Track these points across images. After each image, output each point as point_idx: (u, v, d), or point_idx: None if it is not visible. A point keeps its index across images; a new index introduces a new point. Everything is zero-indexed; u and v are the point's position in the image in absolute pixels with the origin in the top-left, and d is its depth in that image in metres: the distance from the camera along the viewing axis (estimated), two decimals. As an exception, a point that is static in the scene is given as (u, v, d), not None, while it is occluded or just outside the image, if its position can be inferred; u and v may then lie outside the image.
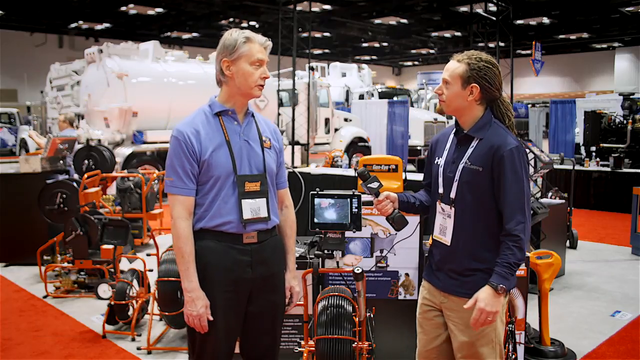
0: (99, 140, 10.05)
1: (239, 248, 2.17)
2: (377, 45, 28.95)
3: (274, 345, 2.34)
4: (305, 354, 2.70)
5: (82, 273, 5.30)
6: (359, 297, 2.52)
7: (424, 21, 22.53)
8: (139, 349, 3.99)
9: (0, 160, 16.44)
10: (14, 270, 6.05)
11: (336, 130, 14.62)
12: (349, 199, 2.58)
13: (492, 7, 10.66)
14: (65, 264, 5.28)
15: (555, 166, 8.07)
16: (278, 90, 12.89)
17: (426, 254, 2.97)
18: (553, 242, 5.47)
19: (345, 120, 14.97)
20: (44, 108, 16.30)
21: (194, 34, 25.38)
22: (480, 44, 11.91)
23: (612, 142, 11.76)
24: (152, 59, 11.25)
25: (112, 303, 4.21)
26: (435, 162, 2.31)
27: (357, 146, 14.58)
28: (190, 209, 2.14)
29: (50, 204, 5.56)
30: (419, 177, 4.20)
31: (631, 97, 12.95)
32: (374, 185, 2.29)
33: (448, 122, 13.76)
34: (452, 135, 2.28)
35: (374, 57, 34.09)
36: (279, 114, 12.88)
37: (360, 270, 2.42)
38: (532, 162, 5.57)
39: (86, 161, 6.72)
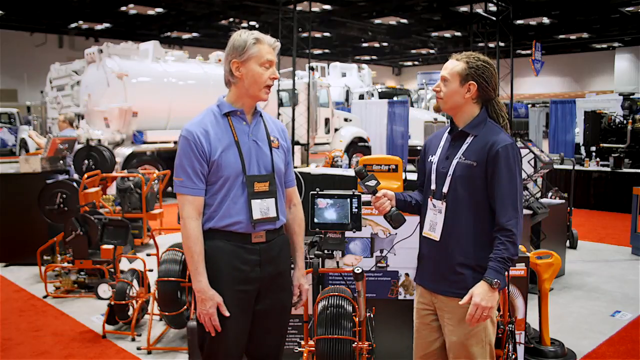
0: (99, 140, 10.05)
1: (247, 247, 2.18)
2: (377, 45, 28.95)
3: (280, 345, 2.35)
4: (305, 354, 2.70)
5: (82, 273, 5.30)
6: (359, 297, 2.52)
7: (424, 21, 22.53)
8: (139, 349, 3.99)
9: (0, 160, 16.44)
10: (14, 270, 6.05)
11: (336, 130, 14.62)
12: (349, 199, 2.58)
13: (492, 7, 10.66)
14: (65, 264, 5.28)
15: (555, 166, 8.08)
16: (278, 90, 12.89)
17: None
18: (553, 242, 5.47)
19: (345, 120, 14.97)
20: (44, 108, 16.30)
21: (194, 34, 25.38)
22: (480, 44, 11.91)
23: (612, 142, 11.76)
24: (152, 59, 11.25)
25: (112, 303, 4.21)
26: (429, 160, 2.34)
27: (357, 146, 14.58)
28: (200, 208, 2.15)
29: (50, 204, 5.56)
30: (419, 177, 4.20)
31: (631, 97, 12.95)
32: (371, 183, 2.31)
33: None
34: (445, 134, 2.33)
35: (374, 57, 34.10)
36: (279, 114, 12.89)
37: (360, 270, 2.42)
38: (532, 162, 5.57)
39: (86, 161, 6.73)
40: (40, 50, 24.63)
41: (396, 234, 3.30)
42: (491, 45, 10.88)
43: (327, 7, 19.63)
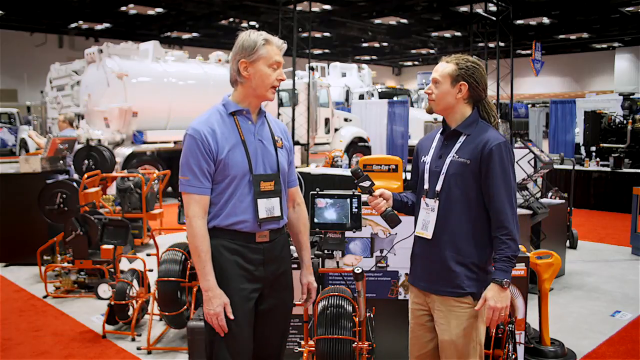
0: (99, 140, 10.05)
1: (251, 247, 2.18)
2: (377, 45, 28.95)
3: (282, 345, 2.36)
4: (305, 354, 2.70)
5: (82, 273, 5.30)
6: (359, 297, 2.52)
7: (424, 21, 22.52)
8: (139, 349, 3.99)
9: (0, 160, 16.44)
10: (14, 270, 6.05)
11: (336, 130, 14.62)
12: (348, 199, 2.58)
13: (492, 7, 10.67)
14: (65, 264, 5.28)
15: (555, 166, 8.08)
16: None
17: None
18: (553, 242, 5.47)
19: (345, 120, 14.97)
20: (44, 108, 16.29)
21: (194, 34, 25.38)
22: (480, 44, 11.91)
23: (612, 142, 11.76)
24: (152, 59, 11.25)
25: (112, 303, 4.21)
26: (422, 160, 2.37)
27: (357, 146, 14.58)
28: (206, 208, 2.15)
29: (50, 204, 5.56)
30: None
31: (631, 97, 12.95)
32: (365, 184, 2.32)
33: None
34: (438, 135, 2.37)
35: (374, 57, 34.09)
36: (279, 114, 12.89)
37: (360, 270, 2.42)
38: (532, 162, 5.57)
39: (86, 161, 6.73)
40: (40, 50, 24.62)
41: (396, 234, 3.30)
42: (491, 45, 10.88)
43: (327, 7, 19.62)
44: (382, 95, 16.91)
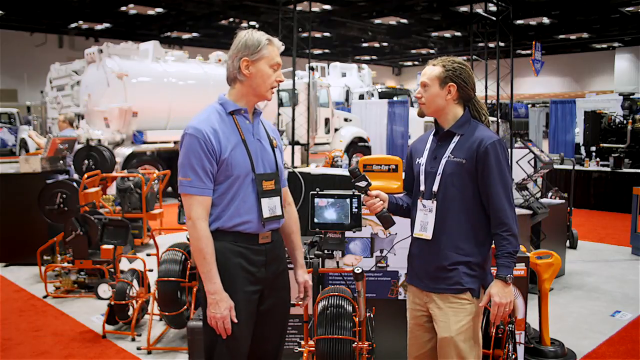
0: (99, 140, 10.05)
1: (254, 248, 2.17)
2: (377, 45, 28.95)
3: (280, 344, 2.35)
4: (305, 354, 2.70)
5: (82, 273, 5.30)
6: (359, 297, 2.52)
7: (424, 21, 22.52)
8: (139, 349, 3.99)
9: (0, 160, 16.44)
10: (14, 270, 6.05)
11: (336, 130, 14.61)
12: (348, 199, 2.58)
13: (492, 7, 10.65)
14: (65, 264, 5.29)
15: (555, 166, 8.07)
16: (278, 90, 12.89)
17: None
18: (553, 242, 5.47)
19: (345, 120, 14.96)
20: (44, 108, 16.29)
21: (194, 34, 25.37)
22: (480, 44, 11.90)
23: (612, 142, 11.75)
24: (152, 59, 11.25)
25: (112, 303, 4.22)
26: (416, 162, 2.39)
27: (357, 146, 14.58)
28: (209, 209, 2.11)
29: (50, 204, 5.56)
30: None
31: (631, 97, 12.95)
32: (362, 184, 2.34)
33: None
34: (431, 137, 2.39)
35: (374, 57, 34.09)
36: (279, 114, 12.89)
37: (360, 270, 2.42)
38: (532, 162, 5.58)
39: (86, 161, 6.73)
40: (40, 50, 24.61)
41: (396, 233, 3.30)
42: (491, 45, 10.87)
43: (327, 7, 19.62)
44: (382, 95, 16.90)
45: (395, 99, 16.19)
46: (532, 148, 5.39)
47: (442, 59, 2.32)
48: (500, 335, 2.99)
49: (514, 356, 3.11)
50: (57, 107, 12.60)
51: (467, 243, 2.22)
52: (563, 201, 6.19)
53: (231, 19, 21.50)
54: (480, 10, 10.46)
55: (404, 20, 22.38)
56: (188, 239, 2.56)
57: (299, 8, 12.27)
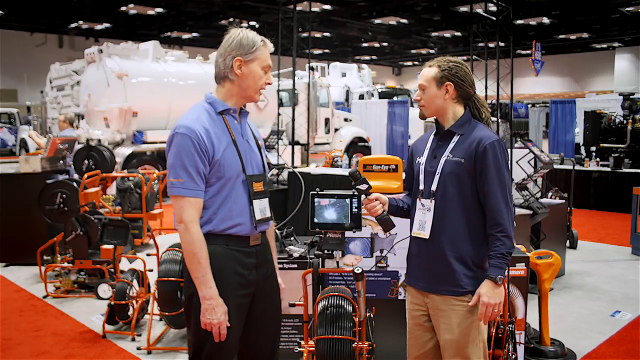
0: (99, 140, 10.05)
1: (245, 251, 2.14)
2: (377, 45, 28.95)
3: (275, 345, 2.34)
4: (305, 354, 2.70)
5: (82, 273, 5.30)
6: (359, 297, 2.52)
7: (424, 21, 22.52)
8: (139, 349, 3.99)
9: (0, 160, 16.44)
10: (14, 270, 6.05)
11: (336, 130, 14.60)
12: (348, 199, 2.58)
13: (492, 7, 10.65)
14: (65, 264, 5.28)
15: (555, 166, 8.08)
16: (278, 90, 12.87)
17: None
18: (553, 242, 5.47)
19: (345, 120, 14.96)
20: (44, 108, 16.30)
21: (194, 34, 25.37)
22: (480, 44, 11.89)
23: (612, 142, 11.75)
24: (152, 59, 11.25)
25: (112, 303, 4.22)
26: (416, 161, 2.39)
27: (357, 146, 14.57)
28: (200, 211, 2.05)
29: (50, 204, 5.56)
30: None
31: (631, 97, 12.95)
32: (362, 187, 2.35)
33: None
34: (432, 136, 2.38)
35: (374, 57, 34.09)
36: (279, 114, 12.87)
37: (360, 270, 2.42)
38: (532, 162, 5.58)
39: (86, 161, 6.73)
40: (40, 50, 24.62)
41: (396, 234, 3.30)
42: (491, 45, 10.86)
43: (327, 7, 19.61)
44: (382, 95, 16.90)
45: (395, 99, 16.19)
46: (532, 148, 5.39)
47: (437, 59, 2.32)
48: (500, 335, 2.99)
49: (514, 356, 3.11)
50: (57, 107, 12.60)
51: (465, 242, 2.21)
52: (563, 201, 6.19)
53: (231, 19, 21.49)
54: (480, 10, 10.46)
55: (404, 20, 22.37)
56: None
57: (299, 8, 12.25)
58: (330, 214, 2.59)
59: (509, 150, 4.85)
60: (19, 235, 6.12)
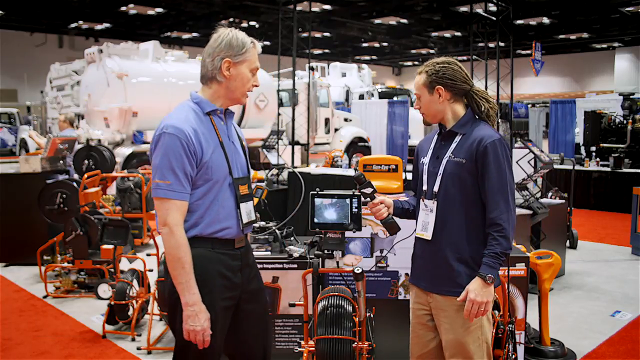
0: (99, 140, 10.05)
1: (230, 253, 2.10)
2: (377, 45, 28.95)
3: (268, 346, 2.32)
4: (305, 354, 2.70)
5: (82, 273, 5.30)
6: (359, 297, 2.52)
7: (424, 21, 22.51)
8: (139, 349, 3.99)
9: (0, 160, 16.44)
10: (14, 270, 6.05)
11: (336, 130, 14.61)
12: (348, 199, 2.58)
13: (492, 7, 10.65)
14: (65, 264, 5.28)
15: (555, 166, 8.08)
16: (278, 90, 12.88)
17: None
18: (553, 242, 5.47)
19: (345, 120, 14.96)
20: (44, 108, 16.28)
21: (194, 34, 25.37)
22: (480, 44, 11.89)
23: (612, 142, 11.76)
24: (152, 59, 11.25)
25: (112, 303, 4.21)
26: (421, 162, 2.40)
27: (357, 146, 14.58)
28: (184, 214, 1.99)
29: (50, 204, 5.56)
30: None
31: (631, 97, 12.96)
32: (367, 190, 2.35)
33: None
34: (435, 136, 2.38)
35: (374, 57, 34.08)
36: (279, 114, 12.88)
37: (360, 270, 2.42)
38: (532, 162, 5.58)
39: (86, 161, 6.72)
40: (40, 50, 24.61)
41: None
42: (491, 45, 10.86)
43: (327, 7, 19.61)
44: (382, 95, 16.90)
45: (395, 99, 16.19)
46: (532, 148, 5.39)
47: (425, 64, 2.32)
48: (500, 335, 2.99)
49: (514, 356, 3.10)
50: (57, 107, 12.59)
51: (467, 244, 2.21)
52: (563, 201, 6.19)
53: (231, 19, 21.49)
54: (480, 10, 10.46)
55: (404, 20, 22.37)
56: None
57: (299, 8, 12.26)
58: (330, 214, 2.59)
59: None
60: (19, 235, 6.12)
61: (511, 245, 2.15)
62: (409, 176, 3.91)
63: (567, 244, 6.62)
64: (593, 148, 11.83)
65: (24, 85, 23.90)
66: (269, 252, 3.55)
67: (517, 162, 5.45)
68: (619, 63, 29.06)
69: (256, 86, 2.16)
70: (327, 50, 29.76)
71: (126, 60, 10.79)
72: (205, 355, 2.05)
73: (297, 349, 2.81)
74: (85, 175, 5.93)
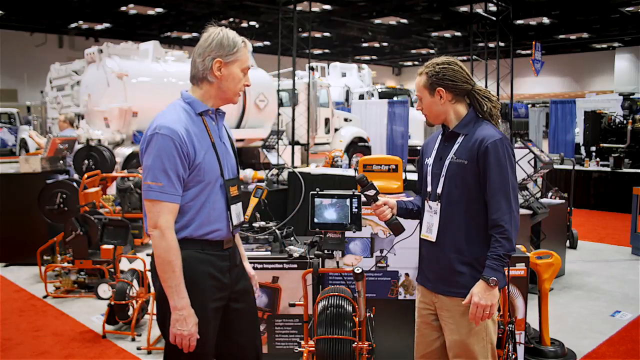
0: (99, 140, 10.04)
1: (219, 254, 2.08)
2: (377, 45, 28.95)
3: (259, 346, 2.31)
4: (305, 354, 2.70)
5: (82, 273, 5.30)
6: (359, 297, 2.52)
7: (424, 21, 22.52)
8: (139, 349, 3.99)
9: (0, 160, 16.44)
10: (14, 270, 6.05)
11: (336, 130, 14.61)
12: (348, 199, 2.58)
13: (492, 7, 10.66)
14: (65, 264, 5.28)
15: (555, 166, 8.07)
16: (278, 90, 12.88)
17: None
18: (553, 242, 5.47)
19: (345, 120, 14.96)
20: (44, 108, 16.28)
21: (194, 34, 25.35)
22: (480, 44, 11.91)
23: (612, 142, 11.76)
24: (152, 59, 11.24)
25: (112, 303, 4.21)
26: (425, 162, 2.38)
27: (357, 146, 14.57)
28: (175, 216, 1.97)
29: (50, 204, 5.56)
30: (419, 177, 4.20)
31: (631, 97, 12.96)
32: (370, 193, 2.34)
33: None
34: (439, 137, 2.37)
35: (374, 57, 34.09)
36: (279, 114, 12.88)
37: (360, 270, 2.42)
38: (532, 162, 5.58)
39: (86, 161, 6.72)
40: (40, 50, 24.62)
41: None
42: (491, 45, 10.88)
43: (327, 7, 19.62)
44: (382, 95, 16.89)
45: (395, 99, 16.18)
46: (532, 148, 5.39)
47: (426, 65, 2.30)
48: (500, 335, 2.99)
49: (514, 356, 3.11)
50: (57, 107, 12.59)
51: (472, 245, 2.19)
52: (563, 201, 6.19)
53: (231, 19, 21.50)
54: (480, 10, 10.47)
55: (404, 20, 22.38)
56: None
57: (299, 8, 12.26)
58: (330, 214, 2.59)
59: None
60: (19, 235, 6.12)
61: (514, 246, 2.13)
62: (409, 176, 3.93)
63: (567, 244, 6.62)
64: (593, 148, 11.84)
65: (24, 85, 23.91)
66: (269, 252, 3.55)
67: (517, 162, 5.45)
68: (619, 63, 29.07)
69: (247, 86, 2.13)
70: (327, 50, 29.77)
71: (126, 60, 10.78)
72: (197, 357, 2.03)
73: (297, 349, 2.81)
74: (85, 175, 5.93)
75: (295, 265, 3.47)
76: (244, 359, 2.25)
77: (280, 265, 3.48)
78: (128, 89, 10.43)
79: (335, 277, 3.46)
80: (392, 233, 2.35)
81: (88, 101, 10.79)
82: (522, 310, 3.53)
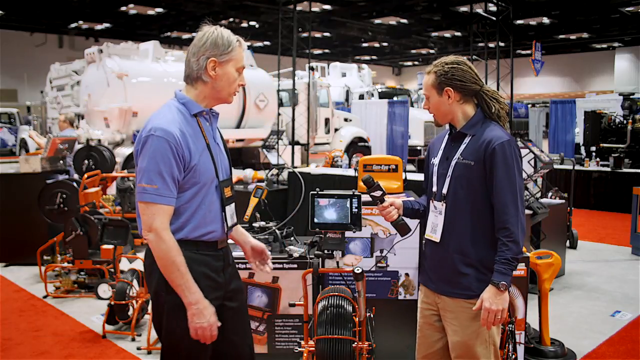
0: (99, 140, 10.04)
1: (214, 254, 2.09)
2: (377, 45, 28.96)
3: (252, 345, 2.31)
4: (305, 354, 2.70)
5: (82, 273, 5.30)
6: (359, 297, 2.52)
7: (424, 21, 22.53)
8: (139, 349, 3.99)
9: (0, 160, 16.44)
10: (14, 270, 6.05)
11: (336, 130, 14.61)
12: (349, 199, 2.58)
13: (492, 7, 10.67)
14: (65, 264, 5.28)
15: (555, 166, 8.07)
16: (278, 90, 12.88)
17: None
18: (553, 242, 5.47)
19: (345, 120, 14.96)
20: (44, 108, 16.29)
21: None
22: (480, 44, 11.91)
23: (612, 142, 11.77)
24: (152, 59, 11.24)
25: (112, 303, 4.21)
26: (431, 162, 2.37)
27: (357, 146, 14.58)
28: (170, 218, 1.97)
29: (50, 204, 5.56)
30: (419, 177, 4.20)
31: (631, 97, 12.96)
32: (377, 193, 2.33)
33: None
34: (446, 136, 2.35)
35: (374, 57, 34.10)
36: (279, 114, 12.88)
37: (360, 270, 2.42)
38: (532, 162, 5.58)
39: (86, 161, 6.72)
40: (40, 50, 24.63)
41: (396, 234, 3.30)
42: (491, 45, 10.88)
43: (327, 7, 19.63)
44: (382, 95, 16.89)
45: (395, 99, 16.18)
46: (532, 148, 5.39)
47: (434, 64, 2.27)
48: (500, 335, 3.00)
49: (514, 356, 3.11)
50: (57, 107, 12.59)
51: (476, 246, 2.18)
52: (563, 201, 6.19)
53: (231, 19, 21.51)
54: (480, 10, 10.48)
55: (404, 20, 22.39)
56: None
57: (299, 8, 12.27)
58: (330, 214, 2.59)
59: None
60: (19, 235, 6.12)
61: (521, 249, 2.12)
62: (409, 176, 3.93)
63: (567, 244, 6.62)
64: (593, 148, 11.84)
65: (24, 85, 23.91)
66: (269, 252, 3.54)
67: (518, 163, 5.46)
68: (619, 63, 29.08)
69: (242, 85, 2.12)
70: (327, 50, 29.78)
71: (126, 60, 10.78)
72: (194, 358, 2.03)
73: (297, 349, 2.81)
74: (85, 175, 5.93)
75: (295, 265, 3.47)
76: (238, 358, 2.25)
77: (280, 265, 3.48)
78: (128, 89, 10.43)
79: (335, 277, 3.46)
80: (399, 234, 2.34)
81: (88, 101, 10.78)
82: (522, 310, 3.53)
